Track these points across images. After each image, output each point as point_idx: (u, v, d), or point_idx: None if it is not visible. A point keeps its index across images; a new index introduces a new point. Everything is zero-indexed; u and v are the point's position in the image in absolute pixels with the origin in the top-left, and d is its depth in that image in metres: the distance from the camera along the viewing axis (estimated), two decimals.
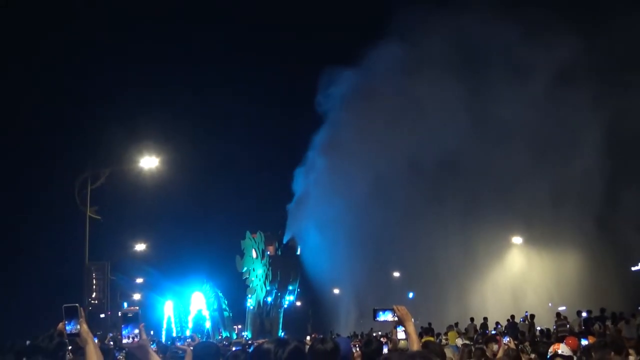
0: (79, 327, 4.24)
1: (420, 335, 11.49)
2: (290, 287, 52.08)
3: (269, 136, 64.43)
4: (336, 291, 57.71)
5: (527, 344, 14.48)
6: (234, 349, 12.58)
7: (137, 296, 52.20)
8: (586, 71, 43.12)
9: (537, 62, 45.88)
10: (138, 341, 4.34)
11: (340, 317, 51.06)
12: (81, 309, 4.33)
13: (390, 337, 11.41)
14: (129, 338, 4.34)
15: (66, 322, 4.26)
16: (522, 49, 45.63)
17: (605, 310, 27.99)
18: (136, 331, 4.34)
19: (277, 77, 67.63)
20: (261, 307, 50.49)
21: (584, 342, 10.66)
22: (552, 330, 27.43)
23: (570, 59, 42.94)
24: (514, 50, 45.89)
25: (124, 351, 11.99)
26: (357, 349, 7.94)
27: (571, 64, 43.25)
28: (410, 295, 53.47)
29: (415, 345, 5.26)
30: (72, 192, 31.50)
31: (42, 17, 58.11)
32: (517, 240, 50.27)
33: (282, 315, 51.36)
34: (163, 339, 45.32)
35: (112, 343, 19.66)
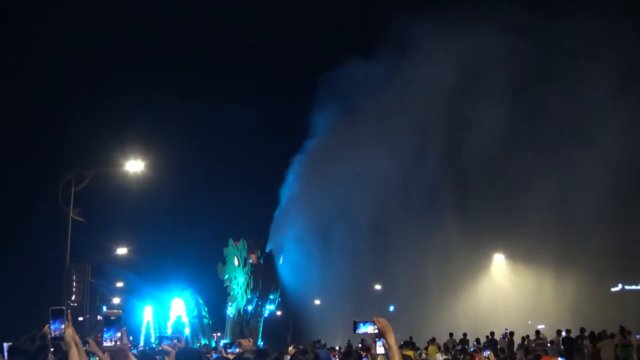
0: (63, 330, 4.23)
1: (400, 348, 11.49)
2: (271, 297, 51.91)
3: (254, 144, 64.25)
4: (317, 302, 57.66)
5: None
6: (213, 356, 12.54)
7: (116, 300, 51.87)
8: None
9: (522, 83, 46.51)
10: (119, 345, 4.34)
11: (321, 328, 50.96)
12: (68, 312, 4.32)
13: (370, 352, 11.40)
14: (110, 341, 4.33)
15: (51, 324, 4.26)
16: (509, 71, 46.19)
17: (584, 330, 28.16)
18: (118, 335, 4.34)
19: (264, 83, 67.58)
20: (241, 315, 50.27)
21: None
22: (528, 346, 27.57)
23: None
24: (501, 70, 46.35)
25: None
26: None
27: None
28: (391, 308, 53.50)
29: (396, 358, 5.25)
30: (55, 193, 31.35)
31: (28, 15, 57.88)
32: (499, 257, 50.50)
33: (262, 324, 51.17)
34: (141, 344, 45.09)
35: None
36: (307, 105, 52.49)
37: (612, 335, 25.61)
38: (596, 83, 42.99)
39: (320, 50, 61.27)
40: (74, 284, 36.31)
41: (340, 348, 33.19)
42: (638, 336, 26.26)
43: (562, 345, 26.42)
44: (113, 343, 4.34)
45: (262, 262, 51.61)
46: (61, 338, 4.24)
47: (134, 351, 12.77)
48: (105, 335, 4.37)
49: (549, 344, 26.57)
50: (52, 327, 4.25)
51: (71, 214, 30.08)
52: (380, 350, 5.65)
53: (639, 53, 41.32)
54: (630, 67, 41.66)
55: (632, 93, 41.18)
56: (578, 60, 43.68)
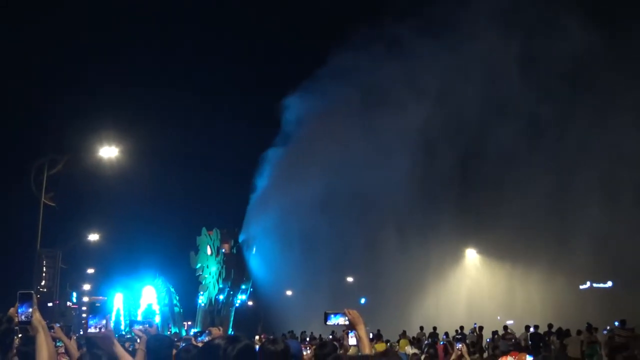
0: (31, 314, 4.20)
1: (371, 341, 11.54)
2: (243, 286, 51.80)
3: (230, 133, 64.07)
4: (289, 293, 57.70)
5: (477, 356, 14.68)
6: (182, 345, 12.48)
7: (87, 286, 51.61)
8: None
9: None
10: (104, 332, 4.33)
11: (292, 319, 51.06)
12: (36, 296, 4.28)
13: (342, 343, 11.45)
14: (95, 328, 4.31)
15: (19, 308, 4.22)
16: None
17: (552, 326, 28.51)
18: (103, 322, 4.32)
19: (241, 72, 67.47)
20: (212, 304, 50.11)
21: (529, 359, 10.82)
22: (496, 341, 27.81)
23: None
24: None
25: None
26: (308, 351, 7.96)
27: None
28: (363, 300, 53.68)
29: (367, 349, 5.28)
30: (28, 177, 31.02)
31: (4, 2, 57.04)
32: (470, 252, 50.89)
33: (233, 313, 51.07)
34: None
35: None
36: (284, 96, 52.39)
37: (579, 332, 26.00)
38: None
39: (298, 41, 61.39)
40: (44, 269, 36.00)
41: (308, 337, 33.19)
42: (605, 332, 26.65)
43: (530, 340, 26.71)
44: (98, 330, 4.32)
45: (235, 252, 51.47)
46: (28, 322, 4.20)
47: None
48: (90, 322, 4.35)
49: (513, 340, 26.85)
50: (19, 310, 4.21)
51: (43, 199, 29.80)
52: (352, 341, 5.69)
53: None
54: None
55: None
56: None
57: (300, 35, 62.50)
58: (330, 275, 50.79)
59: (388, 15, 47.92)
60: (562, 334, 26.98)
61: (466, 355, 9.75)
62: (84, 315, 49.11)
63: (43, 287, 35.94)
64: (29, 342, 4.54)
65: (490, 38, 45.08)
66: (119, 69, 67.06)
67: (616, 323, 26.23)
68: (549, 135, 44.95)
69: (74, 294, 55.53)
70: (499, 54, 45.63)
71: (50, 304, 36.88)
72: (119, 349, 4.53)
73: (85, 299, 55.14)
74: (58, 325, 7.36)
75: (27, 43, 59.76)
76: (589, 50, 41.63)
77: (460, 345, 9.79)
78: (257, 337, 24.02)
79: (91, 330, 4.33)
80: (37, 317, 4.22)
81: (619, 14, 41.21)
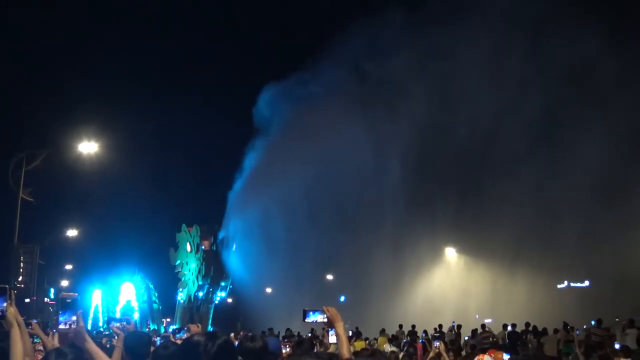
0: (5, 308, 4.16)
1: (351, 339, 11.57)
2: (223, 284, 51.73)
3: (211, 129, 63.86)
4: (268, 290, 57.67)
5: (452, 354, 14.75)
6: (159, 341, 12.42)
7: (65, 282, 51.17)
8: None
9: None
10: (75, 328, 4.30)
11: (271, 317, 51.06)
12: (11, 291, 4.24)
13: (321, 340, 11.47)
14: (65, 324, 4.28)
15: None
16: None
17: (529, 324, 28.75)
18: (73, 318, 4.29)
19: (221, 68, 67.29)
20: (192, 301, 49.99)
21: (506, 357, 10.91)
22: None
23: None
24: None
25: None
26: (288, 349, 7.96)
27: None
28: (342, 298, 53.78)
29: (345, 347, 5.28)
30: (5, 172, 30.76)
31: None
32: (450, 250, 51.14)
33: (212, 310, 50.97)
34: (89, 327, 44.49)
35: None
36: (263, 92, 52.27)
37: (556, 331, 26.25)
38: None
39: (278, 39, 61.42)
40: (22, 265, 35.72)
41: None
42: (578, 332, 26.90)
43: (508, 339, 26.90)
44: (68, 326, 4.29)
45: (214, 248, 51.36)
46: (3, 317, 4.16)
47: None
48: (61, 319, 4.32)
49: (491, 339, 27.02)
50: None
51: (21, 194, 29.55)
52: (332, 339, 5.71)
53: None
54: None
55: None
56: None
57: (279, 34, 62.56)
58: (310, 273, 50.84)
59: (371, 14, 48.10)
60: (539, 332, 27.21)
61: (444, 354, 9.82)
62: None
63: (20, 282, 35.71)
64: (5, 337, 4.51)
65: (484, 38, 45.11)
66: (99, 64, 66.50)
67: (593, 322, 26.49)
68: (529, 135, 45.20)
69: (52, 290, 55.11)
70: (486, 56, 45.77)
71: (27, 300, 36.61)
72: (91, 346, 4.50)
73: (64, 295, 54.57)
74: (35, 321, 7.31)
75: (5, 38, 59.27)
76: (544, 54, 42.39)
77: (437, 343, 9.87)
78: (232, 334, 23.97)
79: (62, 326, 4.30)
80: (12, 312, 4.18)
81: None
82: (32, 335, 5.38)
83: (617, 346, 20.14)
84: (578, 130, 41.51)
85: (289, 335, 29.22)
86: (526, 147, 45.22)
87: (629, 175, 39.54)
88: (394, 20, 46.94)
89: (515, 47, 44.49)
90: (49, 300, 55.27)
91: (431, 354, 9.64)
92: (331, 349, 7.76)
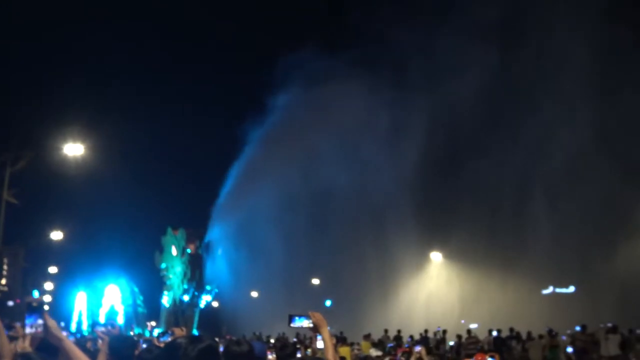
0: None
1: (335, 344, 11.54)
2: (208, 287, 51.63)
3: (198, 132, 63.69)
4: (254, 294, 57.52)
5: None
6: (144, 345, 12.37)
7: (49, 285, 50.79)
8: None
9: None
10: (40, 332, 4.27)
11: (257, 321, 51.00)
12: None
13: (307, 345, 11.46)
14: (31, 327, 4.27)
15: None
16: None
17: (514, 329, 28.84)
18: (40, 321, 4.27)
19: (207, 70, 67.23)
20: (177, 305, 49.87)
21: None
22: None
23: None
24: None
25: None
26: (273, 355, 7.93)
27: None
28: (328, 303, 53.70)
29: (330, 352, 5.29)
30: None
31: None
32: (435, 255, 51.20)
33: (197, 314, 50.84)
34: (73, 329, 44.28)
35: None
36: (251, 98, 52.38)
37: (541, 337, 26.33)
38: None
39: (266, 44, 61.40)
40: (5, 268, 35.48)
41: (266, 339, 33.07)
42: (564, 337, 27.02)
43: (493, 344, 26.95)
44: (35, 330, 4.27)
45: (200, 252, 51.26)
46: None
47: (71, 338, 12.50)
48: (27, 322, 4.30)
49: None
50: None
51: (5, 196, 29.31)
52: (320, 344, 5.70)
53: None
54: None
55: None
56: None
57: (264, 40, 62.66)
58: (296, 278, 50.77)
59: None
60: (523, 339, 27.32)
61: (425, 358, 9.84)
62: None
63: (4, 285, 35.46)
64: None
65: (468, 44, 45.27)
66: (86, 65, 66.38)
67: (577, 328, 26.59)
68: (512, 138, 45.34)
69: (36, 293, 54.77)
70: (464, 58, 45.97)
71: (11, 303, 36.34)
72: (67, 344, 4.46)
73: (48, 298, 54.48)
74: (19, 324, 7.24)
75: None
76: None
77: (419, 348, 9.90)
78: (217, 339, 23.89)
79: (28, 329, 4.30)
80: None
81: None
82: (14, 338, 5.33)
83: None
84: (558, 130, 41.94)
85: (271, 339, 29.14)
86: (508, 150, 45.37)
87: (613, 184, 39.73)
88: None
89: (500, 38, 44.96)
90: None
91: (412, 359, 9.66)
92: (319, 354, 7.76)
